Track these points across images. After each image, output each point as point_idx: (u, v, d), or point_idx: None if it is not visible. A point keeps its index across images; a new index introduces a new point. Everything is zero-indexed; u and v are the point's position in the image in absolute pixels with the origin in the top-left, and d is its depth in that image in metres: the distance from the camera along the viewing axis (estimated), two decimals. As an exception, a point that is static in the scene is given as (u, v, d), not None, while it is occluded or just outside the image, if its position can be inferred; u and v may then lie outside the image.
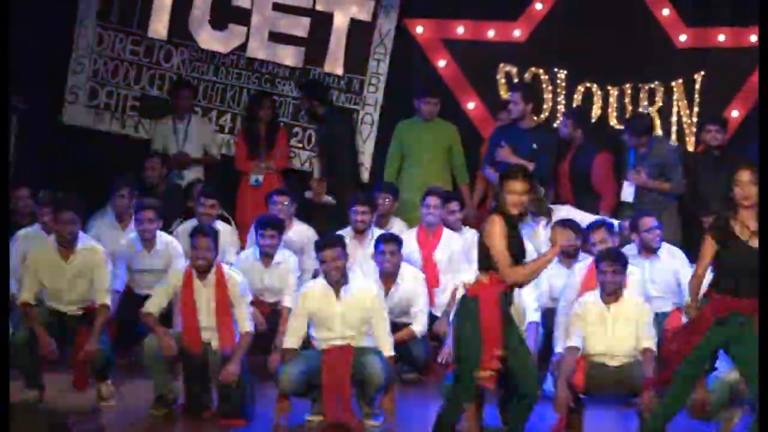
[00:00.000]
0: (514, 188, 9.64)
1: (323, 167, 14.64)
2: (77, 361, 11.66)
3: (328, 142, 14.70)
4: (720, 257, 10.12)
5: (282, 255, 12.73)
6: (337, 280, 11.31)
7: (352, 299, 11.34)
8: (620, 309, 11.44)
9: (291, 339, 11.46)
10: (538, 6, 15.17)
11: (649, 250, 12.66)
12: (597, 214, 13.78)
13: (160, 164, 14.20)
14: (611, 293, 11.40)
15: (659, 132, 14.72)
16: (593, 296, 11.58)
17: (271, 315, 12.51)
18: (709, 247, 10.08)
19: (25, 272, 11.88)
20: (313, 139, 15.08)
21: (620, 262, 11.54)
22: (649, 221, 12.73)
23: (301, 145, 15.36)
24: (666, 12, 15.05)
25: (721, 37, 15.05)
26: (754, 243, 9.92)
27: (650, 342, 11.48)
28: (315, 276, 12.39)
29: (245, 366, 11.40)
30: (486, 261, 9.81)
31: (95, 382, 11.85)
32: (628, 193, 14.12)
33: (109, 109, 15.38)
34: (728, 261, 10.04)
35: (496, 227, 9.70)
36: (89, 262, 11.79)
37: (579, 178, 14.27)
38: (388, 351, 11.36)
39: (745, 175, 10.65)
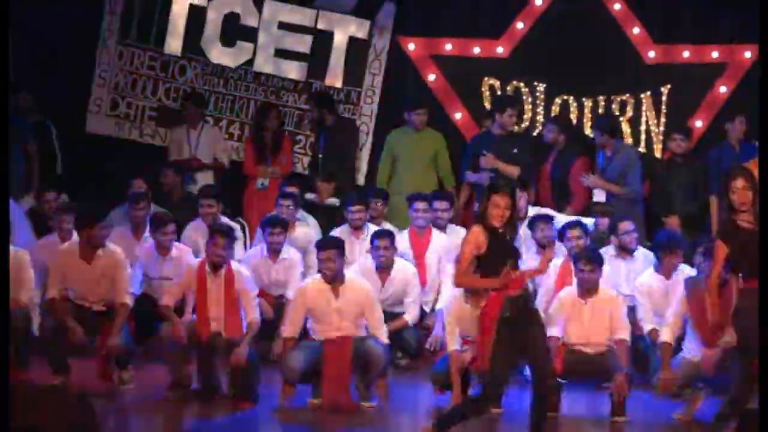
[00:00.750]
0: (498, 203, 9.59)
1: (328, 171, 14.60)
2: (101, 355, 11.70)
3: (333, 149, 14.67)
4: (736, 249, 10.02)
5: (287, 252, 12.83)
6: (333, 278, 11.37)
7: (348, 296, 11.41)
8: (596, 303, 11.51)
9: (289, 329, 11.53)
10: (519, 25, 15.16)
11: (626, 252, 12.63)
12: (567, 212, 13.86)
13: (173, 174, 14.18)
14: (588, 289, 11.47)
15: (629, 140, 14.71)
16: (571, 291, 11.64)
17: (277, 306, 12.56)
18: (722, 252, 9.99)
19: (50, 274, 11.90)
20: (316, 147, 14.94)
21: (597, 261, 11.59)
22: (626, 225, 12.75)
23: (303, 152, 15.34)
24: (636, 30, 15.06)
25: (686, 54, 15.06)
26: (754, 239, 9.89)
27: (624, 333, 11.49)
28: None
29: (253, 352, 11.43)
30: (478, 268, 9.82)
31: (117, 369, 11.85)
32: (599, 192, 14.08)
33: (129, 118, 15.40)
34: (749, 248, 9.94)
35: (470, 236, 9.70)
36: (111, 265, 11.84)
37: (559, 180, 14.30)
38: (383, 339, 11.44)
39: (740, 183, 10.70)
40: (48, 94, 14.87)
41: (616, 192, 13.98)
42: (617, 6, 15.08)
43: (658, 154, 14.86)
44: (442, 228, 13.40)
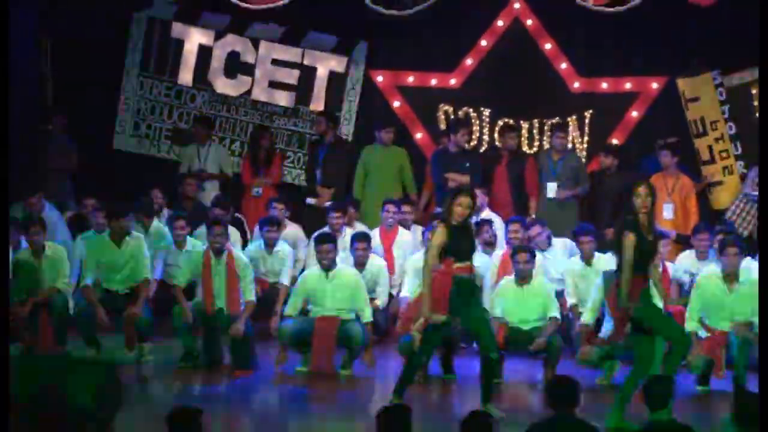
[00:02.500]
0: (462, 202, 9.80)
1: (327, 179, 14.46)
2: (127, 324, 11.77)
3: (333, 161, 14.53)
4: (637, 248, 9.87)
5: (280, 245, 12.80)
6: (329, 266, 11.55)
7: (340, 280, 11.56)
8: (530, 289, 11.58)
9: (290, 309, 11.61)
10: (469, 61, 15.16)
11: (589, 258, 12.24)
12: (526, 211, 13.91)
13: (195, 184, 14.13)
14: (524, 278, 11.57)
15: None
16: (510, 279, 11.72)
17: (271, 291, 12.55)
18: (631, 244, 9.76)
19: (87, 263, 11.97)
20: (314, 159, 14.72)
21: (530, 254, 11.70)
22: (587, 238, 12.32)
23: (291, 165, 15.31)
24: (564, 66, 15.06)
25: (605, 85, 15.10)
26: (650, 237, 9.84)
27: (555, 312, 11.54)
28: (303, 267, 12.60)
29: (250, 327, 11.53)
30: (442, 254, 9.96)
31: (139, 343, 11.90)
32: (551, 190, 14.07)
33: (148, 138, 15.37)
34: (644, 250, 9.83)
35: (436, 233, 9.93)
36: (135, 248, 11.94)
37: (514, 180, 14.19)
38: (367, 317, 11.57)
39: (642, 189, 10.86)
40: (82, 117, 14.87)
41: (578, 194, 13.97)
42: (548, 45, 15.08)
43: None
44: (407, 227, 13.46)
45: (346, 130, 15.23)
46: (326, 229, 13.08)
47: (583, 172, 14.23)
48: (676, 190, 13.99)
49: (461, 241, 9.98)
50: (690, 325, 11.09)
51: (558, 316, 11.60)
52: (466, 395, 10.95)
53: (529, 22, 15.12)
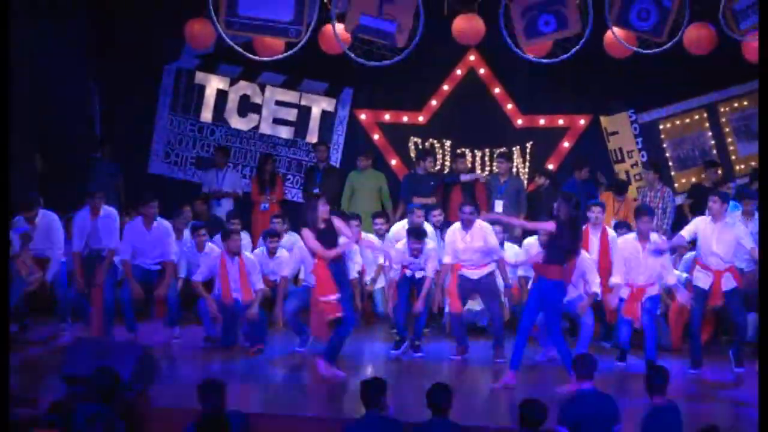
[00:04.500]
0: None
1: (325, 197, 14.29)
2: (158, 301, 11.95)
3: (328, 183, 14.46)
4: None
5: (279, 251, 12.70)
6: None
7: None
8: (473, 232, 11.29)
9: (286, 271, 11.61)
10: (433, 102, 15.21)
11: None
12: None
13: (201, 203, 14.07)
14: (465, 221, 11.32)
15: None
16: (453, 228, 11.46)
17: (273, 287, 12.31)
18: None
19: (123, 242, 11.92)
20: (311, 181, 14.64)
21: (475, 207, 11.52)
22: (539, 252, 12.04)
23: (291, 185, 15.29)
24: (509, 106, 15.12)
25: (542, 121, 15.14)
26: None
27: (499, 254, 11.38)
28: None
29: (262, 312, 11.61)
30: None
31: (168, 327, 11.99)
32: (498, 206, 13.94)
33: (177, 164, 15.40)
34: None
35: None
36: (163, 231, 11.93)
37: (467, 198, 13.83)
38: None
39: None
40: (124, 147, 14.94)
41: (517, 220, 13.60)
42: (497, 89, 15.14)
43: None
44: (381, 236, 13.06)
45: (335, 158, 15.21)
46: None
47: (524, 192, 14.21)
48: (622, 207, 13.85)
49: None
50: (614, 279, 11.01)
51: (503, 257, 11.45)
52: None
53: (482, 70, 15.20)
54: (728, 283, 10.97)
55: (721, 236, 10.94)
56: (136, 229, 11.97)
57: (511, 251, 12.34)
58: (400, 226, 12.45)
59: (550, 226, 10.27)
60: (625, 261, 11.00)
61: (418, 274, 11.68)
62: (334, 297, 10.28)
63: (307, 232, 10.35)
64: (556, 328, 10.29)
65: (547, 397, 8.46)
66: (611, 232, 11.75)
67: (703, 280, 11.04)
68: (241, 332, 11.73)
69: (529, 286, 11.15)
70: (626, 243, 11.13)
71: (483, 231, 11.40)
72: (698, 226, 11.10)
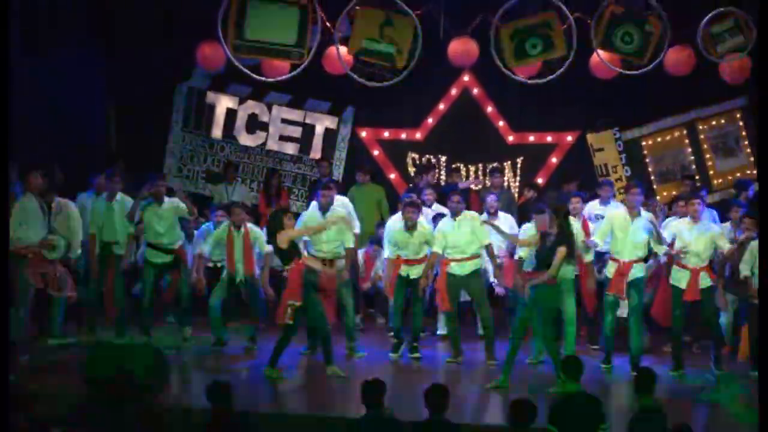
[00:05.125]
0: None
1: None
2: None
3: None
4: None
5: None
6: (326, 208, 11.34)
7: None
8: (461, 220, 11.23)
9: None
10: (430, 120, 15.21)
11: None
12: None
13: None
14: (455, 211, 11.31)
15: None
16: (445, 220, 11.43)
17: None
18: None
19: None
20: (304, 196, 14.71)
21: (462, 196, 11.55)
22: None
23: (296, 198, 15.26)
24: (501, 123, 15.13)
25: (531, 138, 15.16)
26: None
27: (487, 240, 11.20)
28: None
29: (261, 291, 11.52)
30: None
31: (181, 327, 11.90)
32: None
33: (189, 178, 15.32)
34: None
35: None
36: (174, 207, 11.83)
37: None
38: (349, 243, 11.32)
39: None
40: (139, 162, 14.71)
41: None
42: (489, 108, 15.16)
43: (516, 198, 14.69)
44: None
45: (337, 173, 15.18)
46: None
47: (515, 205, 14.11)
48: None
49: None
50: (596, 237, 11.06)
51: (491, 242, 11.24)
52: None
53: (475, 90, 15.21)
54: (704, 281, 10.99)
55: (699, 236, 11.00)
56: (151, 208, 11.85)
57: (506, 223, 12.21)
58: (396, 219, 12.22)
59: (535, 242, 10.32)
60: (612, 232, 11.05)
61: (413, 275, 11.53)
62: (296, 303, 10.24)
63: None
64: (548, 331, 10.26)
65: (538, 397, 8.46)
66: (591, 225, 11.79)
67: (680, 278, 11.05)
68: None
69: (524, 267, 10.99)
70: (616, 213, 11.15)
71: (471, 218, 11.33)
72: (677, 227, 11.18)
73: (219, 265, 12.38)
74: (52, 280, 11.29)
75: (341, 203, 12.15)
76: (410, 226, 11.36)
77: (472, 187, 14.51)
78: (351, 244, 11.41)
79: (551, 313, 10.33)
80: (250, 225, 11.68)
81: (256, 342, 11.60)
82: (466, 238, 11.21)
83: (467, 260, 11.23)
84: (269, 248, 11.17)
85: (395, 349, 11.62)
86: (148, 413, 8.73)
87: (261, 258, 11.71)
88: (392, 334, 11.80)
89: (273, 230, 10.50)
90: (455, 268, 11.22)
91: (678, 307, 11.00)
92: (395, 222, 11.54)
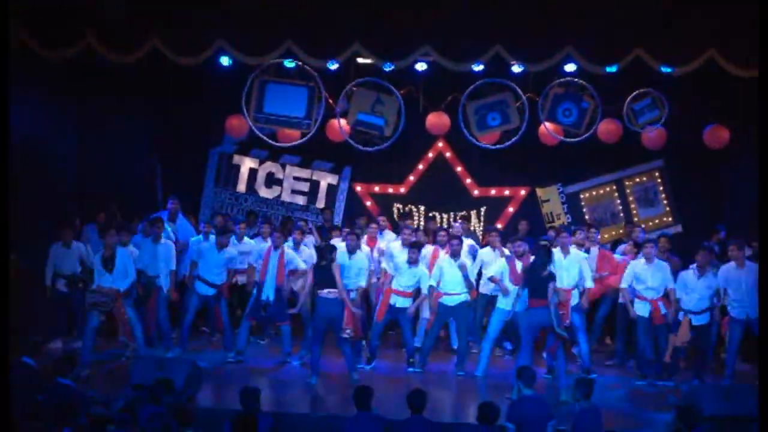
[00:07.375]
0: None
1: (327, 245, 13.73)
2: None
3: (329, 238, 13.79)
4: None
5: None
6: (352, 250, 11.10)
7: (356, 259, 11.10)
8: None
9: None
10: (411, 177, 15.04)
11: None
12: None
13: (222, 217, 13.54)
14: (453, 252, 11.23)
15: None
16: (442, 257, 11.40)
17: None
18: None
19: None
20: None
21: (459, 240, 11.41)
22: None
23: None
24: (468, 180, 14.90)
25: (493, 192, 14.93)
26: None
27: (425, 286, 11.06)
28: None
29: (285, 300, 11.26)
30: None
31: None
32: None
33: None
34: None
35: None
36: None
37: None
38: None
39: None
40: (179, 209, 14.63)
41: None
42: (459, 168, 14.94)
43: (480, 242, 14.29)
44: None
45: (337, 219, 15.00)
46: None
47: (479, 244, 13.79)
48: None
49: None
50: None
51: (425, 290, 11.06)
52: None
53: (447, 154, 15.06)
54: (663, 309, 10.96)
55: (654, 273, 10.95)
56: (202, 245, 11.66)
57: (467, 245, 11.94)
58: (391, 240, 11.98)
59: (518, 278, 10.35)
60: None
61: (400, 304, 11.36)
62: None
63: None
64: (528, 345, 10.17)
65: (504, 400, 8.37)
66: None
67: (642, 309, 10.98)
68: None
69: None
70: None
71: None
72: (634, 268, 11.08)
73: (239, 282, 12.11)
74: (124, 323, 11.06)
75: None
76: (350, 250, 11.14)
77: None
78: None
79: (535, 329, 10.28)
80: (286, 248, 11.42)
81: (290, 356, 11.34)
82: (456, 278, 11.15)
83: (456, 295, 11.20)
84: (304, 266, 11.15)
85: (369, 361, 11.42)
86: (184, 413, 8.62)
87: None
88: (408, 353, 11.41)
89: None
90: (446, 299, 11.17)
91: (643, 331, 10.82)
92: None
